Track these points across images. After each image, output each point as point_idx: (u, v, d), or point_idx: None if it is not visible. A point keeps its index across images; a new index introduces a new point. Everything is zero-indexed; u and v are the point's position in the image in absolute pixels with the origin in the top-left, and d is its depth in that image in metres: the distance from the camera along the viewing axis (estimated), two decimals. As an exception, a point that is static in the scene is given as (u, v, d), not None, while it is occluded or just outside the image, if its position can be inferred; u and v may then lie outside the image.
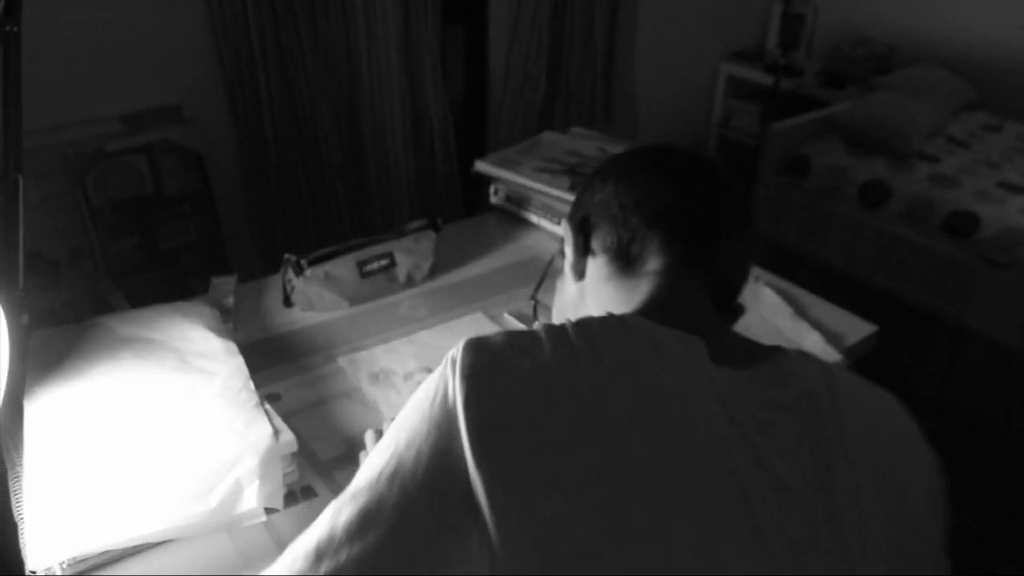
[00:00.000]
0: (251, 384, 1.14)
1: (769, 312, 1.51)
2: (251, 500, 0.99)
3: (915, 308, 2.91)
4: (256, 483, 1.00)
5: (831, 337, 1.44)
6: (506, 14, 3.11)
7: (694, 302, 0.84)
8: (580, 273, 0.91)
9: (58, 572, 0.92)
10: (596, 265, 0.89)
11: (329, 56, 2.66)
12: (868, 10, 3.94)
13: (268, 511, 1.03)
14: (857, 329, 1.48)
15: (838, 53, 3.92)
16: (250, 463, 1.00)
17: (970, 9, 3.57)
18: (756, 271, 1.66)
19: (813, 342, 1.42)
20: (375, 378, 1.31)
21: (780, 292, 1.57)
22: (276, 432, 1.04)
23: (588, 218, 0.91)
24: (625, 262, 0.87)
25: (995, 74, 3.56)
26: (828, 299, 1.58)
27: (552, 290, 1.04)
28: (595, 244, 0.90)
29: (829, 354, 1.38)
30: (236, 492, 0.99)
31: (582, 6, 3.29)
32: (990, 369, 2.76)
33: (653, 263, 0.86)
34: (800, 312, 1.52)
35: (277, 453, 1.02)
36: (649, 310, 0.82)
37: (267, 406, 1.11)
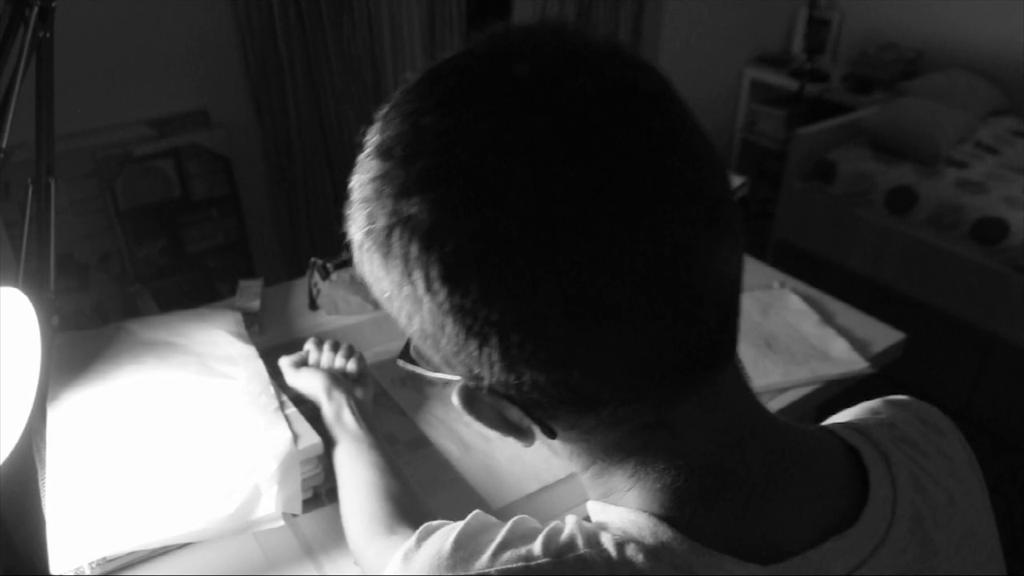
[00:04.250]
0: (271, 388, 1.15)
1: (795, 318, 1.50)
2: (269, 505, 1.00)
3: (942, 316, 2.88)
4: (275, 488, 1.00)
5: (857, 344, 1.42)
6: (530, 16, 3.11)
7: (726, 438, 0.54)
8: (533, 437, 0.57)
9: (87, 572, 0.93)
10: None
11: (354, 61, 2.67)
12: (895, 15, 3.91)
13: (286, 516, 1.03)
14: (884, 336, 1.47)
15: (864, 58, 3.89)
16: (269, 468, 1.00)
17: (999, 14, 3.53)
18: (782, 277, 1.65)
19: (839, 349, 1.41)
20: (402, 381, 1.32)
21: (806, 298, 1.56)
22: (296, 437, 1.05)
23: (471, 388, 0.54)
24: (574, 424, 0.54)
25: (1025, 79, 3.52)
26: (854, 306, 1.56)
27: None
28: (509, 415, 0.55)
29: (855, 361, 1.37)
30: (254, 497, 0.99)
31: (606, 9, 3.29)
32: (1019, 378, 2.73)
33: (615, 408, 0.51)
34: (826, 319, 1.50)
35: (296, 458, 1.03)
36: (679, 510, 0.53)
37: (291, 409, 1.11)
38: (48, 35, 0.85)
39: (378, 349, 1.40)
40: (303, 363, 1.21)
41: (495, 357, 0.48)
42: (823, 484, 0.55)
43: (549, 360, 0.47)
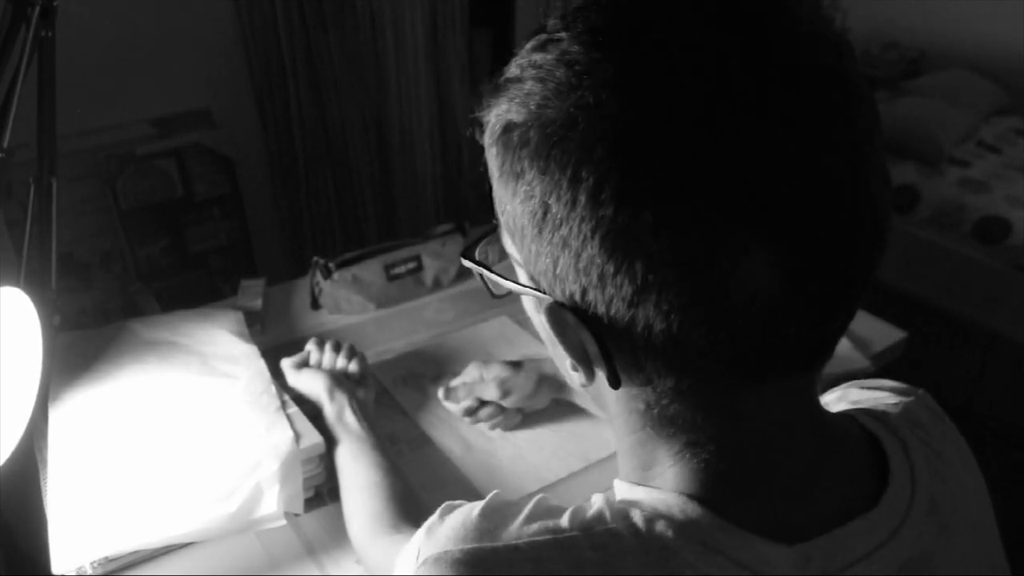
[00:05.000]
0: (273, 388, 1.15)
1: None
2: (271, 504, 1.00)
3: (944, 315, 2.87)
4: (276, 487, 1.00)
5: (859, 343, 1.42)
6: (533, 17, 3.11)
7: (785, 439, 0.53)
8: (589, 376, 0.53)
9: (89, 571, 0.93)
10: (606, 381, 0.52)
11: (357, 61, 2.68)
12: (898, 14, 3.90)
13: (288, 515, 1.03)
14: (885, 335, 1.47)
15: (867, 57, 3.88)
16: (271, 467, 1.00)
17: (1002, 13, 3.53)
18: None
19: (840, 347, 1.40)
20: (403, 381, 1.32)
21: (808, 297, 1.56)
22: (297, 436, 1.05)
23: (560, 304, 0.49)
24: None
25: (1027, 78, 3.51)
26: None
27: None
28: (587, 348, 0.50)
29: (856, 359, 1.37)
30: (256, 496, 0.99)
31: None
32: (1021, 377, 2.72)
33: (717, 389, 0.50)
34: (828, 318, 1.50)
35: (298, 457, 1.03)
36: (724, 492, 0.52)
37: (293, 409, 1.11)
38: (50, 34, 0.85)
39: (380, 348, 1.40)
40: (304, 364, 1.21)
41: (626, 288, 0.44)
42: (847, 470, 0.56)
43: (684, 307, 0.44)
